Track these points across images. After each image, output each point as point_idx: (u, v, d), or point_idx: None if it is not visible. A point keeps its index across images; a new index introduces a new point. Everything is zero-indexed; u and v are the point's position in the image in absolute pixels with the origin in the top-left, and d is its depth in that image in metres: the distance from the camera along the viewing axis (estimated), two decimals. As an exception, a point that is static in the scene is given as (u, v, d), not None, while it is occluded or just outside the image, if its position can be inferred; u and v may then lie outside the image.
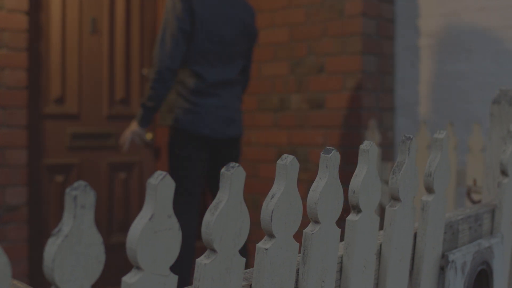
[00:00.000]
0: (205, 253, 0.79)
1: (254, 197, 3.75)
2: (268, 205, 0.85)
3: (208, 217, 0.77)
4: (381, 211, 2.98)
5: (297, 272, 0.92)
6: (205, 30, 2.80)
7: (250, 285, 0.86)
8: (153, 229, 0.69)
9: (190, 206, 2.85)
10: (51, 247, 0.61)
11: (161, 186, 0.69)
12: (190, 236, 2.80)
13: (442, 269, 1.24)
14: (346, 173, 2.51)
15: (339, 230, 0.97)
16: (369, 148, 1.01)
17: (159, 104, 2.79)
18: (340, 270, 1.01)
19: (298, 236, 0.89)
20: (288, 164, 0.85)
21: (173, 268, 0.81)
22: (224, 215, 0.78)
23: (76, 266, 0.63)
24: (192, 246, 2.84)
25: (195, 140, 2.82)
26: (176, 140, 2.84)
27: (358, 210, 1.01)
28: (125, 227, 3.72)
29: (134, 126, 2.86)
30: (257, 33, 3.08)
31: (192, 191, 2.86)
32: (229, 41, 2.92)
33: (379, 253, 1.10)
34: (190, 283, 2.64)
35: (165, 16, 2.79)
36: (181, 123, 2.80)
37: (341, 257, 1.01)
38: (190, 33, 2.78)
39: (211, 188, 3.05)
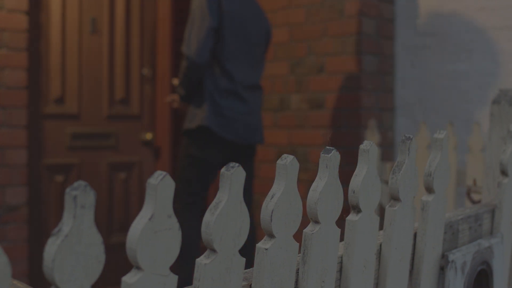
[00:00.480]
0: (205, 253, 0.79)
1: (254, 197, 3.75)
2: (268, 205, 0.85)
3: (208, 217, 0.77)
4: (381, 211, 2.98)
5: (297, 272, 0.92)
6: (234, 27, 2.82)
7: (250, 285, 0.86)
8: (153, 229, 0.69)
9: (196, 208, 2.85)
10: (51, 247, 0.61)
11: (161, 186, 0.69)
12: (197, 238, 2.80)
13: (442, 269, 1.24)
14: (346, 173, 2.51)
15: (339, 230, 0.97)
16: (369, 148, 1.01)
17: (191, 90, 2.84)
18: (340, 270, 1.01)
19: (298, 236, 0.89)
20: (288, 164, 0.85)
21: (182, 270, 0.81)
22: (224, 215, 0.78)
23: (76, 266, 0.63)
24: (199, 247, 2.84)
25: (218, 143, 2.83)
26: (196, 140, 2.84)
27: (358, 210, 1.01)
28: (125, 227, 3.72)
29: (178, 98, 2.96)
30: (271, 39, 3.13)
31: (200, 194, 2.86)
32: (256, 41, 2.95)
33: (379, 253, 1.10)
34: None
35: (193, 13, 2.80)
36: (208, 123, 2.80)
37: (341, 257, 1.01)
38: (218, 28, 2.79)
39: None
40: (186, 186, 2.84)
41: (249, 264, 0.87)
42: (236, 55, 2.85)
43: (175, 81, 3.02)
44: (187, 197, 2.83)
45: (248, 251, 2.99)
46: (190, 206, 2.83)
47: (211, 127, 2.80)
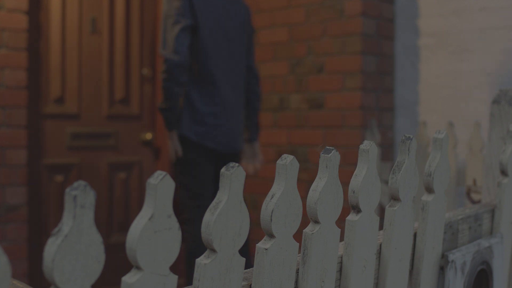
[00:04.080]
0: (205, 253, 0.79)
1: (254, 197, 3.75)
2: (268, 205, 0.85)
3: (208, 217, 0.77)
4: (381, 211, 2.98)
5: (297, 272, 0.92)
6: (208, 26, 2.76)
7: (250, 285, 0.86)
8: (153, 229, 0.69)
9: (201, 210, 2.79)
10: (51, 247, 0.61)
11: (161, 186, 0.69)
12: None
13: (442, 269, 1.24)
14: (346, 173, 2.51)
15: (339, 230, 0.97)
16: (369, 148, 1.01)
17: (176, 103, 2.71)
18: (340, 270, 1.01)
19: (298, 236, 0.89)
20: (288, 164, 0.85)
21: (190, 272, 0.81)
22: (224, 215, 0.78)
23: (76, 266, 0.63)
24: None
25: (200, 150, 2.78)
26: (184, 149, 2.78)
27: (358, 210, 1.01)
28: (125, 227, 3.72)
29: (167, 136, 2.80)
30: (254, 31, 3.08)
31: (202, 194, 2.82)
32: (234, 36, 2.88)
33: (379, 253, 1.10)
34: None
35: (164, 16, 2.73)
36: (186, 132, 2.75)
37: (341, 257, 1.01)
38: (192, 27, 2.72)
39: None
40: (185, 191, 2.79)
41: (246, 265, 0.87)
42: (215, 55, 2.78)
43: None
44: (190, 201, 2.78)
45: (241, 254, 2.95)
46: (197, 210, 2.76)
47: (189, 136, 2.74)
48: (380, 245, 1.10)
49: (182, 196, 2.80)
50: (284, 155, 0.86)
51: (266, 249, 0.84)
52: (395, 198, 1.10)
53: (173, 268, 0.79)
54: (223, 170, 0.78)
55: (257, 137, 3.10)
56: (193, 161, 2.77)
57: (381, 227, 1.11)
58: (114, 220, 3.72)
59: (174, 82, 2.67)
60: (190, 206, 2.75)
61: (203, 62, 2.75)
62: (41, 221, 3.45)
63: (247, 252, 2.80)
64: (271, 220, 0.84)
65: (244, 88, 2.96)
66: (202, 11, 2.74)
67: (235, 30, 2.88)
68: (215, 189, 2.92)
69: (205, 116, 2.76)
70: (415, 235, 1.19)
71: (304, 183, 3.42)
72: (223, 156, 2.86)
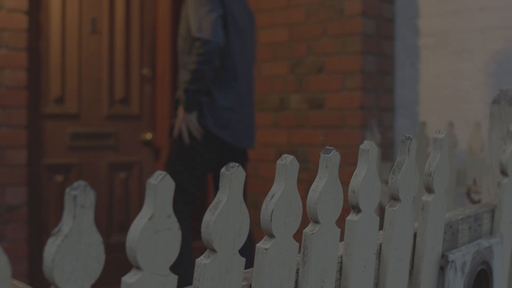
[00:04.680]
0: (205, 253, 0.79)
1: (254, 197, 3.75)
2: (268, 205, 0.85)
3: (208, 217, 0.77)
4: (381, 211, 2.98)
5: (297, 272, 0.92)
6: (232, 20, 2.78)
7: (250, 285, 0.86)
8: (153, 229, 0.69)
9: (189, 206, 2.81)
10: (51, 247, 0.61)
11: (161, 186, 0.69)
12: (188, 236, 2.77)
13: (442, 269, 1.24)
14: (346, 173, 2.51)
15: (339, 230, 0.97)
16: (369, 148, 1.01)
17: (205, 86, 2.68)
18: (340, 270, 1.01)
19: (298, 236, 0.89)
20: (288, 164, 0.85)
21: (174, 268, 0.81)
22: (224, 215, 0.78)
23: (76, 266, 0.63)
24: (191, 245, 2.82)
25: (213, 143, 2.77)
26: (190, 137, 2.76)
27: (358, 210, 1.01)
28: (125, 227, 3.72)
29: (182, 115, 2.74)
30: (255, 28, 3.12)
31: (192, 192, 2.82)
32: (248, 35, 2.91)
33: (379, 253, 1.10)
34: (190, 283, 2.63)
35: (196, 4, 2.69)
36: (206, 124, 2.73)
37: (341, 257, 1.01)
38: (224, 18, 2.73)
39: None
40: (179, 183, 2.73)
41: (248, 265, 0.87)
42: (237, 50, 2.80)
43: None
44: (179, 196, 2.72)
45: (245, 253, 2.92)
46: (183, 206, 2.75)
47: (209, 127, 2.73)
48: (380, 245, 1.10)
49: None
50: (284, 155, 0.86)
51: (266, 249, 0.84)
52: (395, 198, 1.10)
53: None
54: (223, 170, 0.78)
55: None
56: (198, 158, 2.75)
57: (381, 227, 1.11)
58: (114, 220, 3.72)
59: (210, 65, 2.64)
60: (178, 201, 2.69)
61: (227, 56, 2.76)
62: (41, 221, 3.45)
63: (250, 250, 2.80)
64: (271, 220, 0.84)
65: (254, 87, 2.99)
66: (229, 5, 2.76)
67: (249, 29, 2.92)
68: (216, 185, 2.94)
69: (225, 110, 2.76)
70: (415, 235, 1.19)
71: (304, 183, 3.42)
72: (235, 152, 2.87)
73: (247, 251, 2.82)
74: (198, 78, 2.66)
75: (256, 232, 3.08)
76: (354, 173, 1.02)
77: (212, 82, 2.74)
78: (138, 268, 0.69)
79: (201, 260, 0.78)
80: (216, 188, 3.00)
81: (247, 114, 2.88)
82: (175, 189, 2.76)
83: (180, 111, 2.75)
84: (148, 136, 3.82)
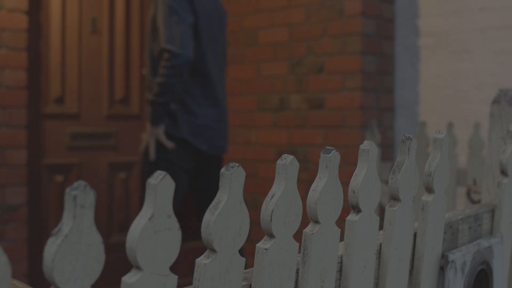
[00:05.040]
0: (205, 253, 0.79)
1: (254, 197, 3.75)
2: (268, 205, 0.85)
3: (208, 217, 0.77)
4: (381, 211, 2.98)
5: (297, 272, 0.92)
6: (204, 25, 2.67)
7: (250, 285, 0.86)
8: (153, 229, 0.69)
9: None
10: (51, 247, 0.61)
11: (161, 186, 0.69)
12: None
13: (442, 269, 1.24)
14: (346, 173, 2.51)
15: (339, 230, 0.97)
16: (369, 148, 1.01)
17: (173, 99, 2.60)
18: (340, 270, 1.01)
19: (298, 236, 0.89)
20: (288, 164, 0.85)
21: None
22: (224, 215, 0.78)
23: (76, 266, 0.63)
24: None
25: (190, 152, 2.68)
26: (166, 150, 2.65)
27: (358, 210, 1.01)
28: (125, 227, 3.72)
29: (149, 129, 2.66)
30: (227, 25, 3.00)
31: (175, 201, 2.74)
32: (220, 38, 2.80)
33: (379, 253, 1.10)
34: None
35: (165, 11, 2.58)
36: (181, 134, 2.64)
37: (341, 257, 1.01)
38: (194, 26, 2.63)
39: (198, 201, 2.86)
40: None
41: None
42: (210, 56, 2.70)
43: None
44: None
45: None
46: None
47: (185, 137, 2.64)
48: (380, 245, 1.10)
49: (143, 197, 2.68)
50: (284, 155, 0.86)
51: (266, 249, 0.84)
52: (395, 198, 1.10)
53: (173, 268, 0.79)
54: (223, 170, 0.78)
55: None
56: (177, 164, 2.64)
57: (381, 227, 1.11)
58: (114, 220, 3.72)
59: (179, 78, 2.55)
60: None
61: (201, 63, 2.67)
62: (41, 221, 3.45)
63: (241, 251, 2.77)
64: (271, 220, 0.84)
65: (226, 90, 2.90)
66: (199, 9, 2.66)
67: (220, 31, 2.81)
68: (197, 194, 2.83)
69: (201, 118, 2.68)
70: (415, 235, 1.19)
71: (304, 183, 3.42)
72: (208, 158, 2.77)
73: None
74: (166, 92, 2.56)
75: (256, 232, 3.08)
76: (354, 173, 1.02)
77: (185, 90, 2.65)
78: (138, 268, 0.69)
79: (201, 260, 0.78)
80: (195, 200, 2.88)
81: (221, 119, 2.78)
82: None
83: (147, 126, 2.67)
84: (144, 137, 3.82)
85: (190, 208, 3.14)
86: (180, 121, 2.65)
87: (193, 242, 3.27)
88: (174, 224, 0.72)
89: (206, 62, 2.69)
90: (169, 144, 2.66)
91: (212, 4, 2.76)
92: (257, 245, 0.85)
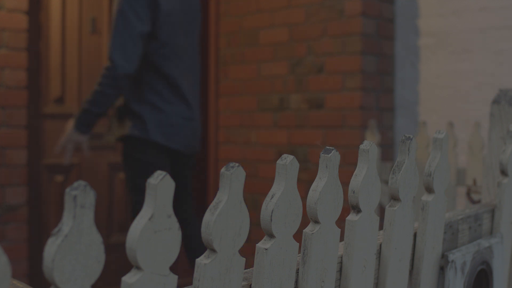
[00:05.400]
0: (205, 253, 0.79)
1: (254, 197, 3.75)
2: (268, 205, 0.85)
3: (208, 217, 0.77)
4: (381, 211, 2.98)
5: (297, 272, 0.92)
6: (168, 23, 2.54)
7: (250, 285, 0.86)
8: (153, 229, 0.69)
9: None
10: (51, 247, 0.61)
11: (161, 186, 0.69)
12: None
13: (442, 269, 1.24)
14: (346, 173, 2.51)
15: (339, 230, 0.97)
16: (369, 148, 1.01)
17: (106, 111, 2.51)
18: (340, 270, 1.01)
19: (298, 236, 0.89)
20: (288, 164, 0.85)
21: None
22: (224, 215, 0.78)
23: (76, 266, 0.63)
24: None
25: (162, 152, 2.60)
26: (139, 146, 2.58)
27: (358, 210, 1.01)
28: (125, 227, 3.72)
29: (71, 133, 2.55)
30: (200, 22, 2.87)
31: None
32: (189, 33, 2.68)
33: (379, 253, 1.10)
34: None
35: (119, 12, 2.47)
36: (151, 136, 2.55)
37: (341, 257, 1.01)
38: (148, 33, 2.50)
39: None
40: (140, 195, 2.54)
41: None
42: (176, 55, 2.59)
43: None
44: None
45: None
46: None
47: (155, 139, 2.55)
48: (380, 245, 1.10)
49: (133, 198, 2.61)
50: (284, 155, 0.86)
51: (266, 249, 0.84)
52: (395, 198, 1.10)
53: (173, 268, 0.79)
54: (223, 170, 0.78)
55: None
56: (150, 161, 2.57)
57: (381, 227, 1.11)
58: (114, 220, 3.72)
59: (118, 91, 2.47)
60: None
61: (162, 63, 2.56)
62: (41, 221, 3.45)
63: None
64: (271, 220, 0.84)
65: (200, 87, 2.81)
66: (162, 6, 2.51)
67: (190, 25, 2.68)
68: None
69: (171, 117, 2.59)
70: (415, 235, 1.19)
71: (304, 183, 3.42)
72: (184, 156, 2.71)
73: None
74: (103, 102, 2.48)
75: (256, 232, 3.08)
76: (354, 173, 1.02)
77: (152, 90, 2.57)
78: (138, 268, 0.69)
79: (201, 260, 0.78)
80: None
81: (192, 117, 2.68)
82: (142, 202, 2.57)
83: (69, 126, 2.56)
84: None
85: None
86: (149, 123, 2.55)
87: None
88: (174, 224, 0.72)
89: (171, 63, 2.58)
90: (87, 154, 2.60)
91: (179, 2, 2.63)
92: (257, 245, 0.85)
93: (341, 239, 1.00)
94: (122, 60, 2.43)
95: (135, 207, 2.63)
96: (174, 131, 2.59)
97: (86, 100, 2.53)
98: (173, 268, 0.85)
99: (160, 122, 2.57)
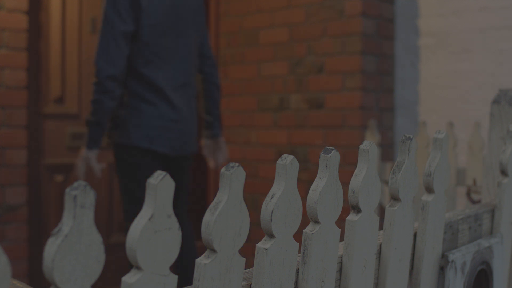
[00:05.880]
0: (205, 253, 0.79)
1: (254, 197, 3.75)
2: (268, 205, 0.85)
3: (208, 217, 0.77)
4: (381, 211, 2.98)
5: (297, 272, 0.92)
6: (152, 23, 2.48)
7: (250, 285, 0.86)
8: (153, 229, 0.69)
9: None
10: (51, 247, 0.61)
11: (161, 186, 0.69)
12: None
13: (442, 269, 1.24)
14: (346, 173, 2.51)
15: (339, 230, 0.97)
16: (369, 148, 1.01)
17: (105, 118, 2.46)
18: (340, 270, 1.01)
19: (298, 236, 0.89)
20: (288, 164, 0.85)
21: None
22: (224, 215, 0.78)
23: (76, 266, 0.63)
24: None
25: (148, 155, 2.54)
26: (127, 154, 2.54)
27: (358, 210, 1.01)
28: (125, 227, 3.72)
29: (82, 151, 2.54)
30: (205, 20, 2.81)
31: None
32: (184, 33, 2.62)
33: (379, 253, 1.10)
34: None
35: (105, 9, 2.44)
36: (133, 141, 2.50)
37: (341, 257, 1.01)
38: (134, 32, 2.46)
39: None
40: (130, 197, 2.53)
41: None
42: (159, 56, 2.52)
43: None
44: (135, 208, 2.48)
45: (186, 269, 2.69)
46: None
47: (137, 144, 2.49)
48: (380, 245, 1.10)
49: (126, 202, 2.59)
50: (284, 155, 0.86)
51: (266, 249, 0.84)
52: (395, 198, 1.10)
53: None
54: (223, 170, 0.78)
55: (221, 131, 2.88)
56: (139, 166, 2.53)
57: (381, 227, 1.11)
58: (114, 220, 3.72)
59: (108, 95, 2.42)
60: (134, 213, 2.48)
61: (145, 65, 2.50)
62: (41, 221, 3.45)
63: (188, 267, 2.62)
64: (271, 220, 0.84)
65: (194, 86, 2.72)
66: (147, 7, 2.46)
67: (182, 26, 2.61)
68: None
69: (154, 120, 2.52)
70: (415, 235, 1.19)
71: (304, 183, 3.42)
72: (175, 159, 2.65)
73: (185, 268, 2.63)
74: (97, 110, 2.44)
75: (256, 232, 3.08)
76: (354, 173, 1.02)
77: (134, 95, 2.52)
78: (138, 268, 0.69)
79: (201, 260, 0.78)
80: None
81: (180, 119, 2.60)
82: (132, 204, 2.51)
83: (82, 148, 2.56)
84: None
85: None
86: (130, 127, 2.50)
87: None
88: (174, 224, 0.72)
89: (152, 64, 2.52)
90: (98, 170, 2.58)
91: (168, 2, 2.56)
92: (257, 245, 0.85)
93: (341, 239, 1.00)
94: (104, 63, 2.41)
95: (126, 209, 2.59)
96: (158, 133, 2.53)
97: (88, 113, 2.53)
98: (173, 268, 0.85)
99: (142, 125, 2.51)
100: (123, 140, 2.52)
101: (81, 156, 2.55)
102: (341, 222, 0.99)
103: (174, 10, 2.58)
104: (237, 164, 0.79)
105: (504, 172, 1.44)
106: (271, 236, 0.86)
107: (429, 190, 1.19)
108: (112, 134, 2.58)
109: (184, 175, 2.71)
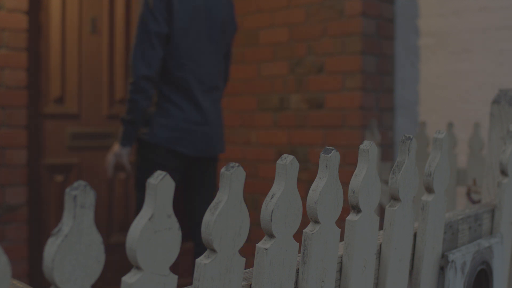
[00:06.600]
0: (205, 253, 0.79)
1: (254, 197, 3.75)
2: (268, 205, 0.85)
3: (208, 217, 0.77)
4: (381, 211, 2.98)
5: (297, 272, 0.92)
6: (184, 27, 2.55)
7: (250, 285, 0.86)
8: (153, 229, 0.69)
9: None
10: (51, 247, 0.61)
11: (161, 186, 0.69)
12: None
13: (442, 269, 1.24)
14: (346, 173, 2.51)
15: (339, 230, 0.97)
16: (369, 148, 1.01)
17: (139, 117, 2.54)
18: (340, 270, 1.01)
19: (298, 236, 0.89)
20: (288, 164, 0.85)
21: None
22: (224, 215, 0.78)
23: (76, 266, 0.63)
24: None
25: (173, 156, 2.60)
26: (149, 151, 2.61)
27: (358, 210, 1.01)
28: (125, 227, 3.72)
29: (115, 147, 2.62)
30: (236, 27, 2.88)
31: None
32: (209, 38, 2.67)
33: (379, 253, 1.10)
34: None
35: (139, 19, 2.53)
36: (158, 141, 2.57)
37: (341, 257, 1.01)
38: (167, 35, 2.54)
39: (187, 202, 2.79)
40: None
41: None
42: (189, 58, 2.59)
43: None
44: None
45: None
46: None
47: (159, 143, 2.56)
48: (380, 245, 1.10)
49: (141, 199, 2.64)
50: (284, 155, 0.86)
51: (266, 249, 0.84)
52: (395, 198, 1.10)
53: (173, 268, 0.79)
54: (223, 170, 0.78)
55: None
56: (160, 165, 2.57)
57: (381, 227, 1.11)
58: (114, 220, 3.72)
59: (143, 95, 2.50)
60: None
61: (177, 67, 2.57)
62: (41, 221, 3.45)
63: None
64: (271, 220, 0.84)
65: (222, 89, 2.80)
66: (179, 11, 2.54)
67: (213, 30, 2.68)
68: (186, 195, 2.78)
69: (180, 122, 2.59)
70: (415, 235, 1.19)
71: (304, 183, 3.42)
72: (200, 160, 2.70)
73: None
74: (132, 109, 2.52)
75: (256, 232, 3.08)
76: (354, 173, 1.02)
77: (161, 95, 2.59)
78: (138, 268, 0.69)
79: (201, 260, 0.78)
80: (185, 201, 2.80)
81: (206, 122, 2.66)
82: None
83: (115, 144, 2.64)
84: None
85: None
86: (156, 126, 2.58)
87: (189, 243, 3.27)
88: (174, 224, 0.72)
89: (182, 66, 2.58)
90: (128, 168, 2.67)
91: (201, 2, 2.63)
92: (257, 245, 0.85)
93: (341, 239, 1.00)
94: (140, 64, 2.49)
95: (139, 205, 2.66)
96: (182, 135, 2.59)
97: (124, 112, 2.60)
98: (173, 268, 0.85)
99: (167, 126, 2.58)
100: (148, 138, 2.59)
101: (113, 152, 2.63)
102: (341, 222, 0.99)
103: (206, 14, 2.65)
104: (237, 164, 0.79)
105: (504, 172, 1.44)
106: (271, 236, 0.86)
107: (429, 190, 1.19)
108: (139, 131, 2.64)
109: (210, 176, 2.77)
